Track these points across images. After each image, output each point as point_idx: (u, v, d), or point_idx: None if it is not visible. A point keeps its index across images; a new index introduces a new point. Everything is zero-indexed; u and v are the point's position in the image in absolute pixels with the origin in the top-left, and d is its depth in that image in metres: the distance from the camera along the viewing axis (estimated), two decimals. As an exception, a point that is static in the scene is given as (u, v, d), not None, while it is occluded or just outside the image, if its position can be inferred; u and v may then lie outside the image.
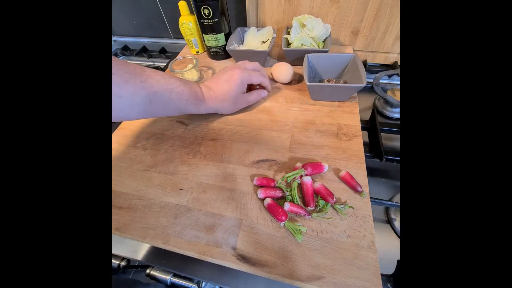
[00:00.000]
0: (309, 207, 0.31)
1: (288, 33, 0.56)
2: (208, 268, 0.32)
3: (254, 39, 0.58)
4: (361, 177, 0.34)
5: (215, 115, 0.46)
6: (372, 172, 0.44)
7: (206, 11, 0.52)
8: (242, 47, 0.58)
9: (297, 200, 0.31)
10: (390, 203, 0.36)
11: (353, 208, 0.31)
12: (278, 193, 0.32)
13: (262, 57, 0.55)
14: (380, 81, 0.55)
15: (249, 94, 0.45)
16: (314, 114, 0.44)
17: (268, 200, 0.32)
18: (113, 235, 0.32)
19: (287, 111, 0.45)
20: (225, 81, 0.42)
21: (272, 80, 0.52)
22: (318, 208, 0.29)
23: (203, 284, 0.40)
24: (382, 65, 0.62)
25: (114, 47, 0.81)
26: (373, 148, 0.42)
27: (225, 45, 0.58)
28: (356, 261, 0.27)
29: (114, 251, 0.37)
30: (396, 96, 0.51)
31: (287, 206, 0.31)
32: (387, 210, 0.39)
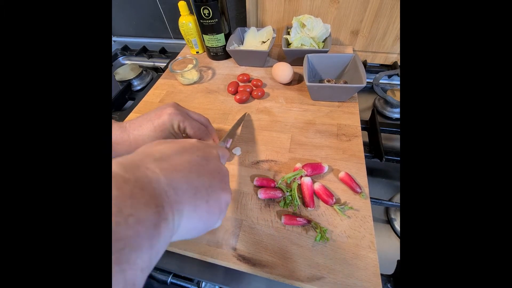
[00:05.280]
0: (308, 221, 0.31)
1: (288, 33, 0.56)
2: (208, 268, 0.32)
3: (254, 39, 0.58)
4: (361, 177, 0.34)
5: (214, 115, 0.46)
6: (372, 172, 0.44)
7: (206, 11, 0.52)
8: (242, 47, 0.58)
9: (297, 201, 0.31)
10: (390, 203, 0.36)
11: (352, 208, 0.31)
12: (278, 194, 0.32)
13: (262, 57, 0.55)
14: (380, 81, 0.55)
15: None
16: (314, 114, 0.44)
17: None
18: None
19: (287, 111, 0.45)
20: (149, 121, 0.30)
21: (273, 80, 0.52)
22: (319, 235, 0.29)
23: (203, 284, 0.40)
24: (382, 65, 0.62)
25: (114, 47, 0.81)
26: (373, 148, 0.42)
27: (225, 45, 0.58)
28: (356, 261, 0.27)
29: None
30: (396, 96, 0.51)
31: (283, 219, 0.30)
32: (387, 210, 0.39)
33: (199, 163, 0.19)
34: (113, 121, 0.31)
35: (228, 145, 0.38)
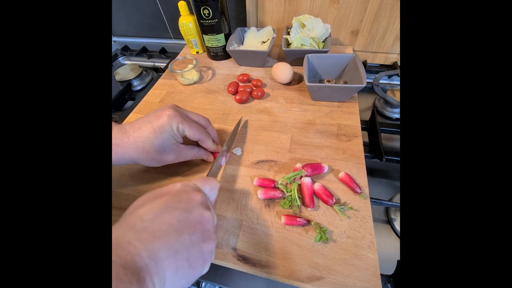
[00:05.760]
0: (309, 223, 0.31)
1: (288, 33, 0.56)
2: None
3: (254, 39, 0.58)
4: (361, 177, 0.34)
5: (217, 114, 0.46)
6: (372, 172, 0.44)
7: (206, 11, 0.52)
8: (242, 47, 0.58)
9: (297, 201, 0.31)
10: (390, 203, 0.36)
11: (352, 209, 0.31)
12: (278, 194, 0.32)
13: (262, 57, 0.55)
14: (380, 81, 0.55)
15: (188, 147, 0.35)
16: (314, 114, 0.44)
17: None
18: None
19: (287, 112, 0.45)
20: (148, 123, 0.31)
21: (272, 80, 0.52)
22: (319, 235, 0.29)
23: (203, 284, 0.40)
24: (382, 65, 0.62)
25: (114, 47, 0.81)
26: (373, 148, 0.42)
27: (225, 46, 0.58)
28: (356, 261, 0.27)
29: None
30: (396, 96, 0.51)
31: (283, 219, 0.30)
32: (387, 210, 0.39)
33: (180, 220, 0.20)
34: (113, 123, 0.31)
35: (222, 163, 0.37)
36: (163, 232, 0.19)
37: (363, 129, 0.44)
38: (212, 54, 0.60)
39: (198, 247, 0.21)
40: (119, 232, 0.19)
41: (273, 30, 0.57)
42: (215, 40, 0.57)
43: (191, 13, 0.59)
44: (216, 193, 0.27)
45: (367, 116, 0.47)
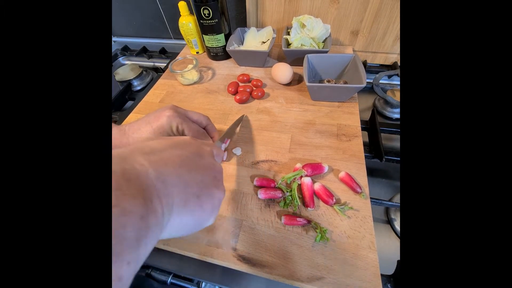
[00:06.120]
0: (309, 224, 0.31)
1: (288, 34, 0.56)
2: (208, 268, 0.32)
3: (254, 39, 0.58)
4: (361, 177, 0.34)
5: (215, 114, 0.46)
6: (372, 172, 0.44)
7: (206, 11, 0.52)
8: (242, 48, 0.58)
9: (297, 201, 0.31)
10: (390, 203, 0.36)
11: (352, 209, 0.31)
12: (278, 194, 0.32)
13: (262, 58, 0.55)
14: (380, 81, 0.55)
15: None
16: (314, 114, 0.44)
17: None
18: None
19: (287, 112, 0.45)
20: (148, 123, 0.30)
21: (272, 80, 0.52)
22: (319, 235, 0.29)
23: (203, 284, 0.40)
24: (382, 65, 0.62)
25: (114, 47, 0.81)
26: (373, 148, 0.42)
27: (225, 46, 0.58)
28: (356, 261, 0.27)
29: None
30: (396, 97, 0.51)
31: (283, 219, 0.30)
32: (387, 210, 0.39)
33: (191, 159, 0.19)
34: (112, 124, 0.31)
35: (226, 145, 0.38)
36: (174, 161, 0.18)
37: (363, 129, 0.44)
38: (212, 54, 0.60)
39: (209, 190, 0.19)
40: (124, 151, 0.17)
41: (273, 30, 0.57)
42: (215, 40, 0.57)
43: (191, 13, 0.59)
44: (221, 161, 0.27)
45: (367, 116, 0.47)
